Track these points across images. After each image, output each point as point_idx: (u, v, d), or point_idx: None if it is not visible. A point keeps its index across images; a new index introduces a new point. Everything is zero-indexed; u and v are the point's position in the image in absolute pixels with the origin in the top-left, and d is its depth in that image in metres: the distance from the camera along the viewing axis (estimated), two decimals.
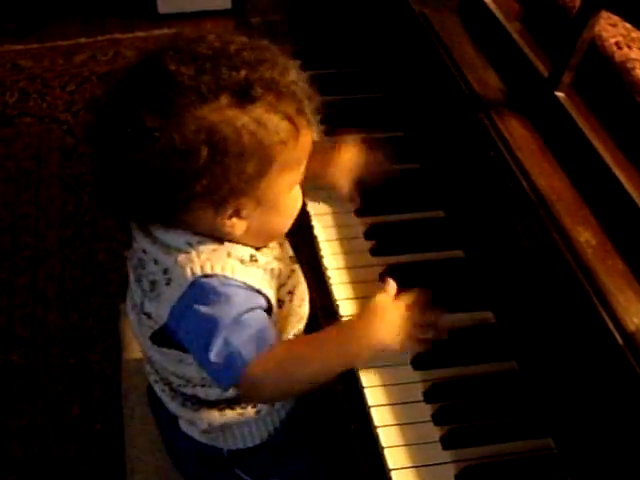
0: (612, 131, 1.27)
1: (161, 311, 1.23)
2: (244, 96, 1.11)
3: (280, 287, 1.31)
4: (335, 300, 1.39)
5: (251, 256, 1.23)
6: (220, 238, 1.21)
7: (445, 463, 1.19)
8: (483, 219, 1.40)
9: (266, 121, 1.12)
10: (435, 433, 1.22)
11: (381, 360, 1.28)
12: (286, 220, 1.28)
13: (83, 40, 3.60)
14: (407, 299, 1.28)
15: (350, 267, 1.45)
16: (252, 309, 1.21)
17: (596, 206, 1.20)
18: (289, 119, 1.15)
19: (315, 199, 1.54)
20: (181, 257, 1.19)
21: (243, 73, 1.11)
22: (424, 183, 1.60)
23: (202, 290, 1.18)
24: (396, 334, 1.25)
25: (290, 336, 1.32)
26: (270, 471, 1.45)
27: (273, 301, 1.26)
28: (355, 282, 1.42)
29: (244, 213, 1.19)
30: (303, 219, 1.47)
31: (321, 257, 1.46)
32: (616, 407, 1.07)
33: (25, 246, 2.76)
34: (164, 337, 1.27)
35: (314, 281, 1.43)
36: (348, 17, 1.87)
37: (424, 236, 1.50)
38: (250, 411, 1.35)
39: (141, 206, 1.18)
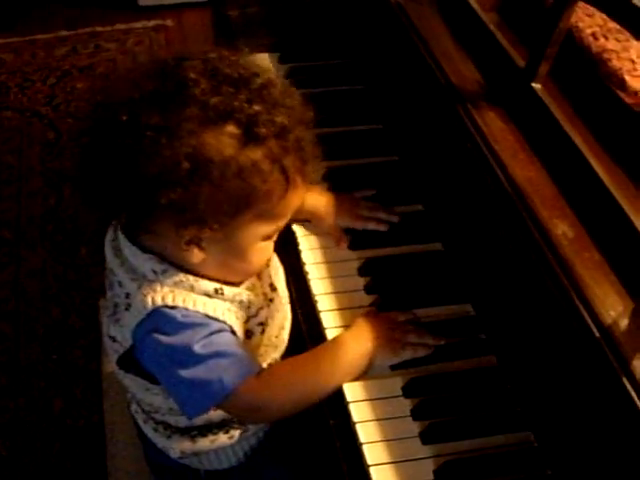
0: (589, 122, 1.27)
1: (125, 335, 1.20)
2: (249, 132, 1.07)
3: (249, 319, 1.27)
4: (314, 295, 1.38)
5: (216, 290, 1.19)
6: (185, 268, 1.18)
7: (424, 458, 1.19)
8: (461, 212, 1.40)
9: (260, 165, 1.08)
10: (414, 428, 1.22)
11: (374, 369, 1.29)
12: (248, 267, 1.23)
13: (64, 33, 3.59)
14: (393, 314, 1.32)
15: (329, 261, 1.44)
16: (217, 332, 1.18)
17: (573, 198, 1.19)
18: (284, 173, 1.11)
19: None
20: (145, 285, 1.16)
21: (257, 109, 1.08)
22: (403, 176, 1.60)
23: (161, 319, 1.16)
24: (387, 341, 1.28)
25: (265, 365, 1.30)
26: None
27: (238, 332, 1.22)
28: (333, 277, 1.41)
29: (203, 244, 1.14)
30: None
31: (299, 251, 1.45)
32: (593, 399, 1.07)
33: (6, 242, 2.75)
34: (130, 362, 1.25)
35: (293, 277, 1.42)
36: (326, 9, 1.86)
37: (402, 229, 1.49)
38: (222, 437, 1.35)
39: (116, 200, 1.15)
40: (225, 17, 1.90)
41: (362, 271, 1.42)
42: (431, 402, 1.25)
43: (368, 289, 1.40)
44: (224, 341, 1.19)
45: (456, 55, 1.45)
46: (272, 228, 1.18)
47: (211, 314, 1.17)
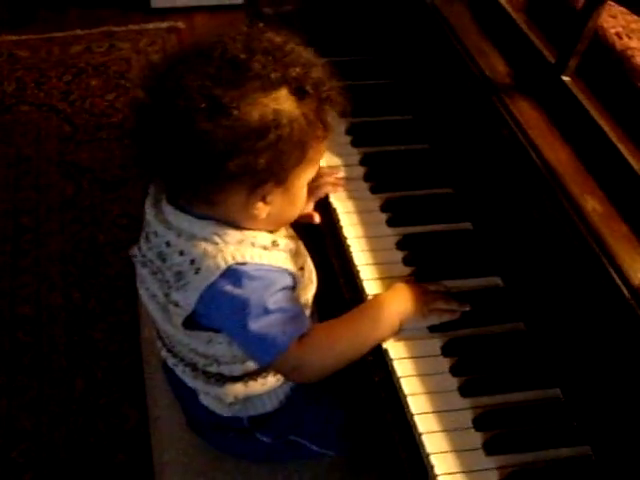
0: (613, 112, 1.39)
1: (189, 299, 1.31)
2: (299, 91, 1.24)
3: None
4: (355, 266, 1.50)
5: (272, 242, 1.34)
6: (239, 226, 1.31)
7: (463, 409, 1.30)
8: (493, 193, 1.52)
9: (311, 117, 1.25)
10: (453, 382, 1.34)
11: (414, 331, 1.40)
12: (297, 210, 1.38)
13: (78, 32, 3.68)
14: (425, 284, 1.45)
15: (369, 236, 1.56)
16: (283, 289, 1.32)
17: (601, 177, 1.32)
18: (323, 121, 1.29)
19: None
20: (210, 247, 1.28)
21: (299, 70, 1.24)
22: (433, 162, 1.73)
23: (236, 275, 1.28)
24: (421, 305, 1.40)
25: (303, 300, 1.42)
26: (289, 430, 1.54)
27: (297, 277, 1.37)
28: (373, 250, 1.54)
29: (269, 199, 1.29)
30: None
31: (340, 227, 1.57)
32: (625, 356, 1.19)
33: (26, 229, 2.84)
34: (193, 322, 1.36)
35: (335, 251, 1.54)
36: (359, 7, 1.97)
37: (435, 209, 1.62)
38: (271, 379, 1.46)
39: (183, 173, 1.26)
40: (259, 14, 2.00)
41: (400, 245, 1.54)
42: (467, 360, 1.37)
43: (406, 261, 1.52)
44: (287, 297, 1.33)
45: (489, 51, 1.58)
46: (314, 171, 1.34)
47: (276, 264, 1.31)
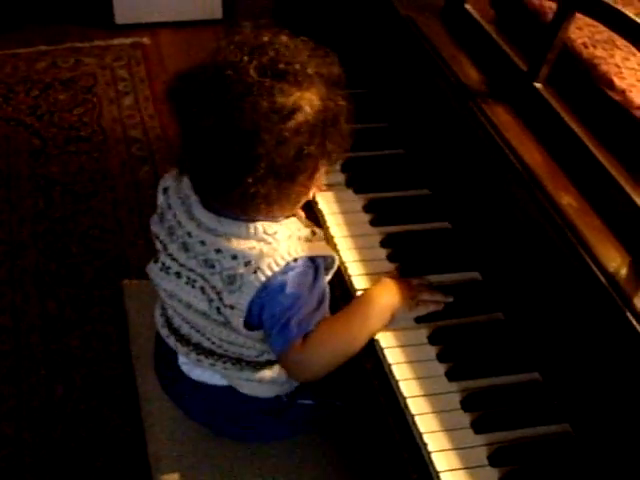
0: (582, 116, 1.49)
1: (244, 299, 1.37)
2: (332, 84, 1.34)
3: None
4: (344, 263, 1.59)
5: (312, 232, 1.44)
6: (277, 218, 1.39)
7: (451, 392, 1.40)
8: (470, 192, 1.62)
9: (341, 101, 1.36)
10: (440, 368, 1.44)
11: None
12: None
13: (43, 48, 3.72)
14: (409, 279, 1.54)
15: (355, 235, 1.66)
16: (319, 285, 1.42)
17: (573, 175, 1.42)
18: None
19: None
20: (265, 248, 1.35)
21: (323, 66, 1.35)
22: (411, 166, 1.83)
23: (290, 271, 1.36)
24: (408, 297, 1.49)
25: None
26: (331, 393, 1.63)
27: (335, 262, 1.47)
28: (360, 248, 1.63)
29: (318, 174, 1.39)
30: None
31: (327, 228, 1.66)
32: (601, 336, 1.29)
33: (0, 241, 2.87)
34: (247, 323, 1.41)
35: None
36: (333, 17, 2.05)
37: (415, 210, 1.72)
38: None
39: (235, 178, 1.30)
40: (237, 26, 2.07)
41: (384, 243, 1.64)
42: (452, 348, 1.46)
43: (390, 258, 1.61)
44: (324, 292, 1.44)
45: (463, 60, 1.68)
46: None
47: (322, 253, 1.42)
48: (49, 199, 3.04)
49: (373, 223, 1.68)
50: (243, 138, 1.26)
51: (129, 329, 1.90)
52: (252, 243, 1.36)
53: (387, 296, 1.48)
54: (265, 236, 1.36)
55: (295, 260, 1.36)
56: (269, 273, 1.34)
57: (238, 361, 1.51)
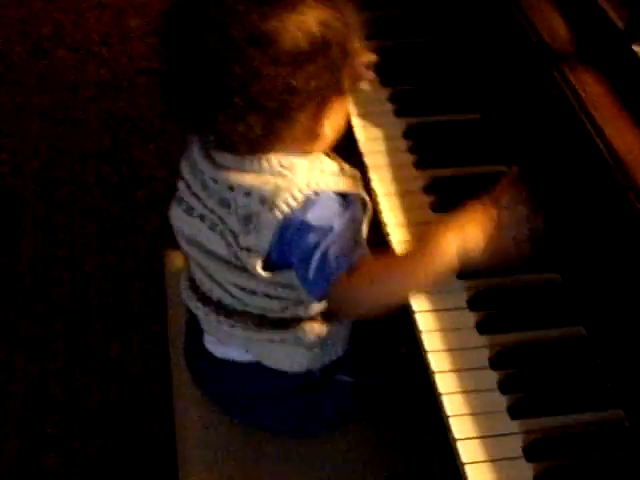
0: None
1: (264, 239, 1.26)
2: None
3: None
4: (381, 212, 1.46)
5: (340, 168, 1.31)
6: (299, 153, 1.27)
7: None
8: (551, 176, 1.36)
9: (348, 18, 1.21)
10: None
11: None
12: (347, 114, 1.34)
13: None
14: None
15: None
16: (353, 219, 1.28)
17: None
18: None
19: None
20: (280, 181, 1.24)
21: None
22: (486, 136, 1.58)
23: (313, 205, 1.24)
24: (490, 237, 1.26)
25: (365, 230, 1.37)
26: (370, 371, 1.52)
27: (368, 204, 1.33)
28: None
29: (330, 112, 1.25)
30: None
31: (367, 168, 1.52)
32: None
33: (62, 181, 2.75)
34: (268, 265, 1.30)
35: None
36: None
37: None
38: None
39: (247, 115, 1.18)
40: None
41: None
42: (494, 316, 1.31)
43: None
44: (355, 228, 1.29)
45: (547, 10, 1.39)
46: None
47: (350, 190, 1.29)
48: (115, 137, 2.90)
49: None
50: (212, 69, 1.16)
51: (167, 310, 1.74)
52: (266, 177, 1.25)
53: (461, 238, 1.25)
54: (280, 169, 1.25)
55: (317, 194, 1.25)
56: (286, 210, 1.24)
57: (260, 320, 1.39)
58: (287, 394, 1.49)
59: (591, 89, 1.25)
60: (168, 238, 2.36)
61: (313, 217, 1.24)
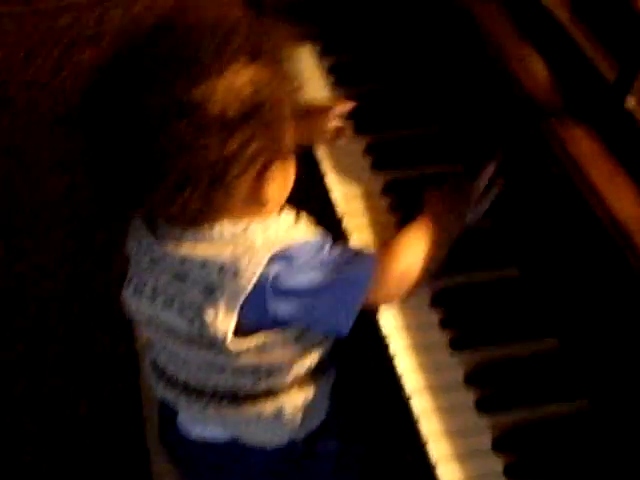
0: None
1: (231, 308, 1.19)
2: (254, 55, 1.12)
3: None
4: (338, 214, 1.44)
5: (295, 218, 1.26)
6: (253, 216, 1.21)
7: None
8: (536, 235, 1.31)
9: (277, 72, 1.15)
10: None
11: None
12: (294, 171, 1.27)
13: (64, 2, 3.40)
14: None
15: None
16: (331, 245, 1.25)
17: None
18: (285, 72, 1.18)
19: None
20: (239, 247, 1.18)
21: (242, 38, 1.13)
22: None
23: (284, 259, 1.19)
24: (469, 198, 1.39)
25: None
26: (355, 435, 1.48)
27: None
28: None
29: (274, 177, 1.18)
30: None
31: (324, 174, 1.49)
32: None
33: (18, 230, 2.67)
34: (239, 331, 1.23)
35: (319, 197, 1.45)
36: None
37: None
38: (320, 377, 1.37)
39: (180, 188, 1.11)
40: (259, 3, 1.75)
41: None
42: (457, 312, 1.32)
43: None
44: (338, 247, 1.27)
45: (531, 60, 1.33)
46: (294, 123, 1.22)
47: (312, 234, 1.25)
48: (72, 180, 2.77)
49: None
50: (137, 145, 1.09)
51: (141, 390, 1.65)
52: (220, 246, 1.18)
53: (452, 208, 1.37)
54: (234, 237, 1.19)
55: (283, 249, 1.19)
56: (252, 274, 1.17)
57: (233, 397, 1.33)
58: (269, 471, 1.43)
59: (583, 146, 1.19)
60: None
61: (293, 269, 1.19)
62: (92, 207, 1.21)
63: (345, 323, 1.24)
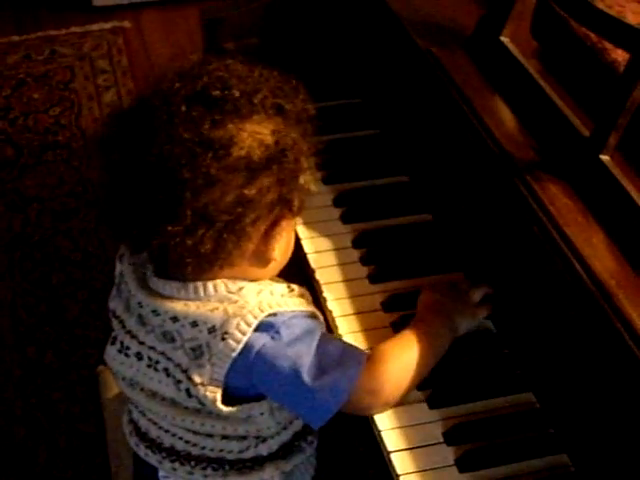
0: None
1: (219, 372, 1.18)
2: (280, 110, 1.15)
3: None
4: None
5: (288, 288, 1.24)
6: (249, 279, 1.21)
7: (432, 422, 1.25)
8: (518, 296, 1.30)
9: (298, 130, 1.18)
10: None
11: None
12: (292, 248, 1.29)
13: (15, 38, 3.41)
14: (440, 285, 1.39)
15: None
16: (320, 334, 1.23)
17: None
18: (306, 131, 1.20)
19: None
20: (230, 308, 1.16)
21: (270, 92, 1.16)
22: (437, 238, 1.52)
23: (272, 328, 1.17)
24: (464, 308, 1.35)
25: None
26: None
27: (321, 319, 1.28)
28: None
29: (281, 234, 1.20)
30: None
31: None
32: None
33: None
34: (226, 398, 1.21)
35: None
36: (341, 41, 1.72)
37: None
38: (303, 444, 1.35)
39: (193, 238, 1.12)
40: (220, 51, 1.74)
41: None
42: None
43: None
44: (328, 339, 1.25)
45: (503, 114, 1.33)
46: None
47: (304, 309, 1.23)
48: (26, 220, 2.76)
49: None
50: (161, 176, 1.10)
51: (107, 440, 1.62)
52: (214, 304, 1.18)
53: (442, 318, 1.33)
54: (228, 294, 1.18)
55: (274, 315, 1.18)
56: (241, 337, 1.15)
57: (219, 463, 1.31)
58: None
59: (560, 202, 1.19)
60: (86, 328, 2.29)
61: (279, 343, 1.18)
62: None
63: (319, 422, 1.24)
